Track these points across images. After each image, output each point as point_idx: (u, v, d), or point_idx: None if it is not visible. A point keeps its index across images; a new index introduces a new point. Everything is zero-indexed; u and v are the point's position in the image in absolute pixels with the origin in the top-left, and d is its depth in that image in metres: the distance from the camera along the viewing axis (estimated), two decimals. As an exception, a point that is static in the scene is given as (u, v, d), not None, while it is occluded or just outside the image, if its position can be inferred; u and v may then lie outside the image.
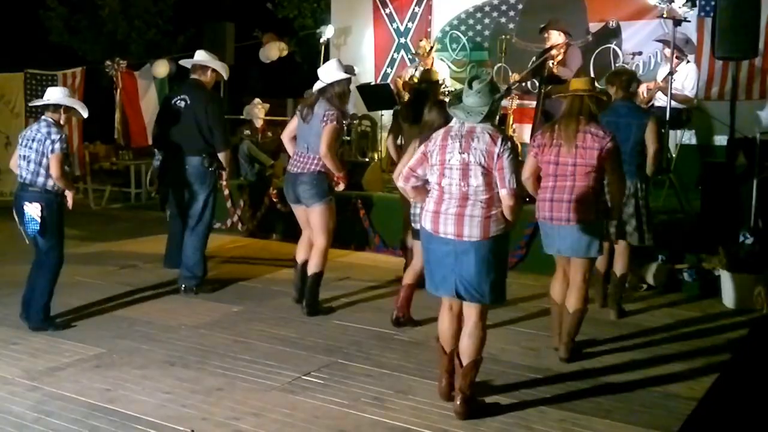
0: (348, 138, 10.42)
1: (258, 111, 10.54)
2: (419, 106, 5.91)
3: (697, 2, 8.74)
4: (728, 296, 6.49)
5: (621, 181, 5.02)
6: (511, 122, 9.03)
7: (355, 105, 10.62)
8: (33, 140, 5.49)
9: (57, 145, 5.43)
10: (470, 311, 4.17)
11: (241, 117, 10.74)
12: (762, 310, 6.25)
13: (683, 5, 8.22)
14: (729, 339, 5.68)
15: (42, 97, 5.73)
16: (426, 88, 7.41)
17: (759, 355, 5.56)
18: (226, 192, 9.33)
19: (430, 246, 4.20)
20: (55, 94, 5.60)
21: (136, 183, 12.16)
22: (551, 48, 8.80)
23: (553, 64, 8.70)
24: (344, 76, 6.00)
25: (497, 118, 4.22)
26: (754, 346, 5.66)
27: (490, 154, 3.95)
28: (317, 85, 6.07)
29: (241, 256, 8.32)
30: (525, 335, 5.67)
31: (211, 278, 6.96)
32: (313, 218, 6.06)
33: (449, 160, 4.03)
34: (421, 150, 4.19)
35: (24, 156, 5.50)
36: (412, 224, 5.55)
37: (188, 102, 6.64)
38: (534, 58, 9.09)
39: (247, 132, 10.34)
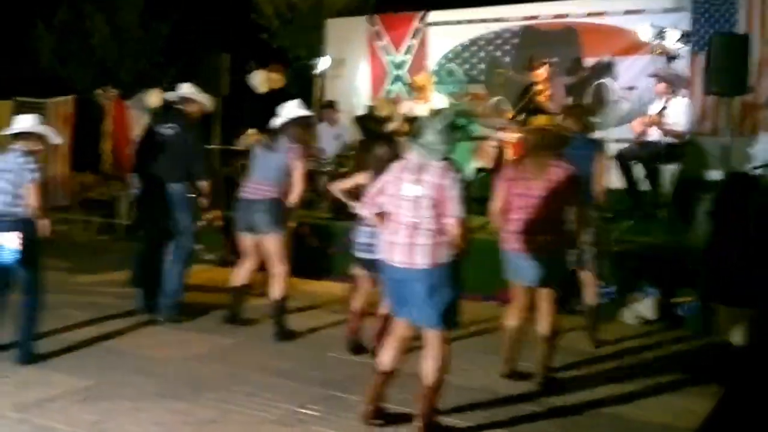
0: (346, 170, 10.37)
1: (252, 142, 10.48)
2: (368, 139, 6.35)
3: (691, 38, 8.86)
4: (721, 330, 6.49)
5: (581, 211, 5.21)
6: (508, 155, 9.01)
7: (351, 136, 10.62)
8: (8, 171, 5.34)
9: (36, 174, 5.33)
10: (429, 336, 4.32)
11: (236, 148, 10.68)
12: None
13: (676, 42, 8.30)
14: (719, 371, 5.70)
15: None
16: (366, 122, 7.63)
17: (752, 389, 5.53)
18: (219, 224, 9.23)
19: (385, 274, 4.47)
20: (26, 122, 5.50)
21: (124, 214, 11.93)
22: (534, 84, 8.90)
23: (543, 98, 8.78)
24: (305, 113, 6.39)
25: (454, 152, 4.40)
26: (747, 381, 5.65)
27: (439, 186, 4.17)
28: (277, 121, 6.36)
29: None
30: (481, 357, 5.73)
31: (196, 308, 6.90)
32: (269, 247, 6.23)
33: (403, 192, 4.26)
34: (380, 182, 4.46)
35: None
36: (357, 253, 5.66)
37: (176, 130, 6.67)
38: (519, 95, 9.17)
39: (243, 163, 10.28)
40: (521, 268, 5.14)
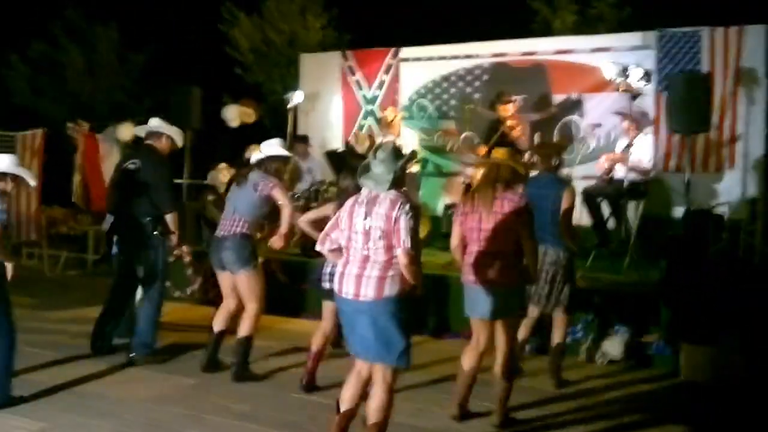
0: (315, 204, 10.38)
1: (223, 176, 10.48)
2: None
3: (656, 77, 9.00)
4: (685, 369, 6.50)
5: (534, 245, 5.18)
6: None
7: (322, 171, 10.66)
8: None
9: (3, 217, 5.27)
10: (375, 373, 4.37)
11: (205, 182, 10.67)
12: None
13: (639, 80, 8.42)
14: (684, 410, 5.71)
15: None
16: (348, 157, 7.62)
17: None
18: (188, 259, 9.17)
19: (338, 306, 4.53)
20: (2, 162, 5.44)
21: (94, 249, 11.86)
22: (503, 120, 9.01)
23: (516, 134, 8.87)
24: (284, 153, 6.37)
25: (403, 182, 4.43)
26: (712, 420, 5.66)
27: (388, 217, 4.21)
28: (254, 157, 6.35)
29: (200, 325, 8.10)
30: (422, 394, 5.75)
31: (165, 347, 6.84)
32: (240, 285, 6.17)
33: (355, 225, 4.32)
34: (335, 216, 4.52)
35: None
36: (322, 284, 5.63)
37: (138, 165, 6.69)
38: (488, 131, 9.27)
39: (211, 197, 10.26)
40: (476, 302, 5.13)
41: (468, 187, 9.15)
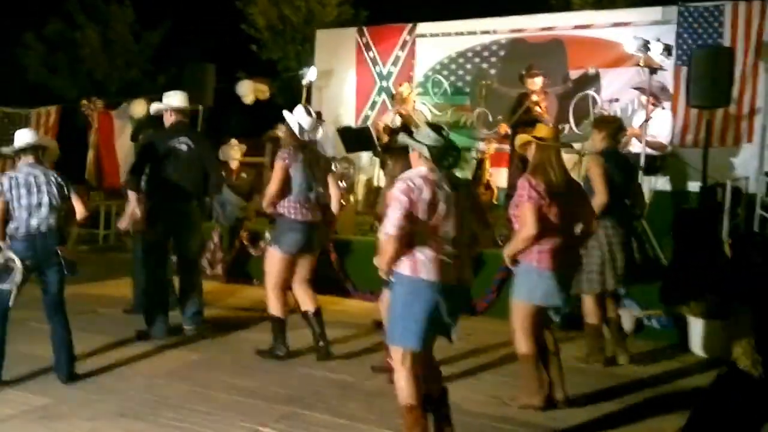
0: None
1: (234, 152, 10.46)
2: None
3: (674, 51, 8.81)
4: (696, 344, 6.43)
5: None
6: (488, 166, 8.98)
7: (335, 147, 10.58)
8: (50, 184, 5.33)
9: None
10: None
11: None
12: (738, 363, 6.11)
13: (660, 54, 8.23)
14: (698, 388, 5.54)
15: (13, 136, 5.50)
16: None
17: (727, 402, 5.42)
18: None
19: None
20: (26, 136, 5.38)
21: (105, 224, 11.89)
22: (530, 93, 8.84)
23: (540, 109, 8.71)
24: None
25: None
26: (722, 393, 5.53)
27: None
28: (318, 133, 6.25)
29: (207, 300, 8.07)
30: (490, 383, 5.54)
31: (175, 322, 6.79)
32: (312, 265, 6.16)
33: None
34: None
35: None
36: None
37: (191, 146, 6.54)
38: (514, 104, 9.10)
39: (222, 173, 10.22)
40: (558, 289, 4.86)
41: (480, 163, 9.05)
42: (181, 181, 6.52)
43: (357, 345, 6.45)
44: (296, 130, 5.95)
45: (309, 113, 6.00)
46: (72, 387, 5.26)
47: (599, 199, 5.66)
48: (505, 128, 9.03)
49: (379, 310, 5.68)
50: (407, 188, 3.90)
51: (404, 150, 5.12)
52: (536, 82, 9.08)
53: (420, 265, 3.92)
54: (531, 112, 8.93)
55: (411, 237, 3.90)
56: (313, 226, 6.01)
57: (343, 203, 7.89)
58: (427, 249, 3.93)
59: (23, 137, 5.38)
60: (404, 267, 3.94)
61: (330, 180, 6.15)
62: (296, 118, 5.98)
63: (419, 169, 4.03)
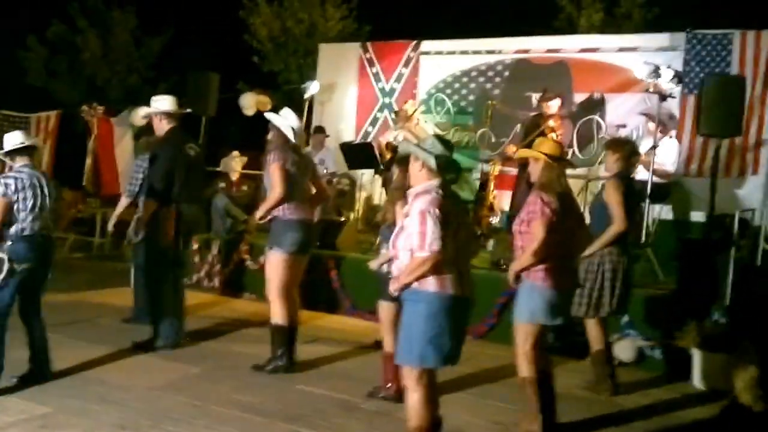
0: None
1: (235, 164, 10.38)
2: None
3: (683, 79, 8.79)
4: (698, 376, 6.34)
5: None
6: (492, 188, 8.91)
7: (335, 162, 10.52)
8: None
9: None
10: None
11: (218, 169, 10.56)
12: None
13: (669, 81, 8.20)
14: (698, 421, 5.54)
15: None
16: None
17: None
18: (195, 246, 9.09)
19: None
20: (16, 138, 5.28)
21: (101, 232, 11.75)
22: (546, 117, 8.77)
23: (556, 135, 8.61)
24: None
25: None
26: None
27: None
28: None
29: (206, 314, 7.99)
30: (493, 408, 5.46)
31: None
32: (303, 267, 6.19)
33: None
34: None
35: None
36: None
37: (196, 150, 6.60)
38: (522, 126, 9.05)
39: (222, 185, 10.16)
40: (562, 308, 4.86)
41: (484, 184, 8.99)
42: (194, 187, 6.54)
43: (356, 363, 6.38)
44: (290, 135, 5.94)
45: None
46: (72, 396, 5.16)
47: (618, 226, 5.60)
48: (512, 150, 8.96)
49: (380, 329, 5.59)
50: (439, 200, 3.85)
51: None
52: (552, 106, 9.00)
53: (447, 281, 3.89)
54: (545, 136, 8.88)
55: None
56: (309, 224, 6.09)
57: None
58: (449, 264, 3.89)
59: (16, 138, 5.29)
60: (429, 284, 3.88)
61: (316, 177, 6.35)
62: (288, 122, 5.98)
63: (433, 182, 3.97)
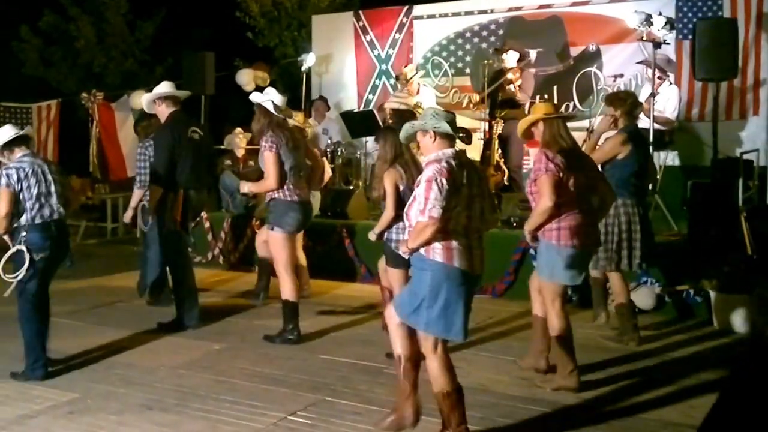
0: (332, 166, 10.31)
1: (239, 140, 10.42)
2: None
3: (676, 25, 8.78)
4: (717, 318, 6.43)
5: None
6: (496, 147, 8.93)
7: (340, 132, 10.56)
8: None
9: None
10: None
11: (222, 147, 10.61)
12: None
13: (662, 28, 8.20)
14: (720, 360, 5.62)
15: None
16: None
17: (753, 378, 5.46)
18: (207, 225, 9.19)
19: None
20: (7, 132, 5.26)
21: (112, 217, 11.86)
22: (506, 71, 8.84)
23: (514, 88, 8.73)
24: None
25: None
26: (748, 369, 5.57)
27: None
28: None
29: (223, 290, 8.12)
30: (515, 365, 5.51)
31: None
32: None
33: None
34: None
35: None
36: None
37: (200, 134, 6.64)
38: (484, 79, 9.09)
39: (228, 162, 10.21)
40: (582, 266, 4.91)
41: (488, 143, 9.02)
42: (200, 170, 6.60)
43: (376, 329, 6.41)
44: (270, 108, 6.01)
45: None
46: (97, 381, 5.26)
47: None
48: (476, 99, 9.07)
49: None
50: (447, 169, 3.85)
51: (392, 130, 5.20)
52: (507, 59, 9.06)
53: (455, 254, 3.88)
54: (502, 91, 8.94)
55: (446, 222, 3.84)
56: (307, 205, 6.29)
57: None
58: (459, 236, 3.90)
59: (6, 132, 5.27)
60: (436, 254, 3.88)
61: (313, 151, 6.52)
62: (268, 96, 6.09)
63: (447, 150, 3.99)
